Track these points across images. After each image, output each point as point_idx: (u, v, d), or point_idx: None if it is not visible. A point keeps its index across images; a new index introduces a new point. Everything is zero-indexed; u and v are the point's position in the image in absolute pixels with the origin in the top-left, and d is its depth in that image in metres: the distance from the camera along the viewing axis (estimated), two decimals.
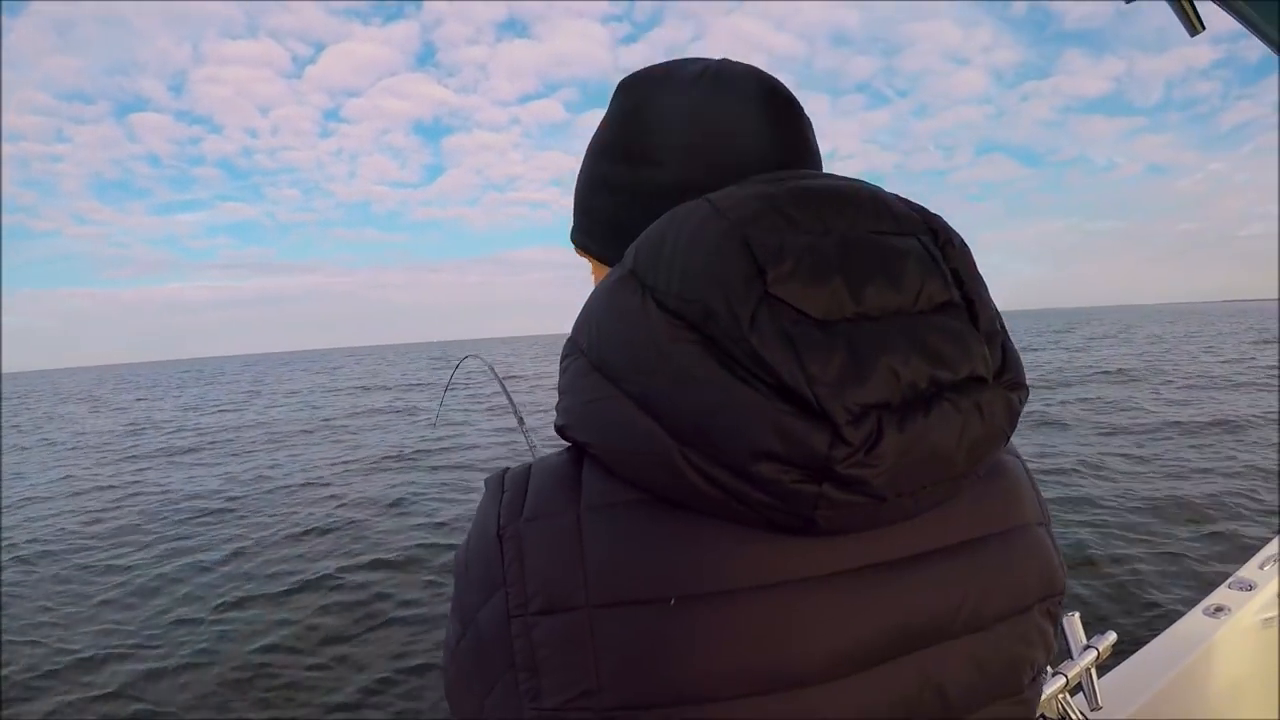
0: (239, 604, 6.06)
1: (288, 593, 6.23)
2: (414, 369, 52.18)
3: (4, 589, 6.79)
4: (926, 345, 0.45)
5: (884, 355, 0.44)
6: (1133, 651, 1.77)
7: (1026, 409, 0.53)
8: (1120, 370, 21.31)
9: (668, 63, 0.64)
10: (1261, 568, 2.02)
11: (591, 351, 0.51)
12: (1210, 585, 2.01)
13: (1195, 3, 1.18)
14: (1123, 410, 13.54)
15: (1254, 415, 12.20)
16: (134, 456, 15.73)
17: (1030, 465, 0.63)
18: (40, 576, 7.20)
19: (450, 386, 2.45)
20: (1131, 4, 1.34)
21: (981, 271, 0.52)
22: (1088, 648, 1.23)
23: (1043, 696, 1.09)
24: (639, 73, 0.65)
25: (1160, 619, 4.53)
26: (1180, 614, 1.92)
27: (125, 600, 6.38)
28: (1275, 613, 1.90)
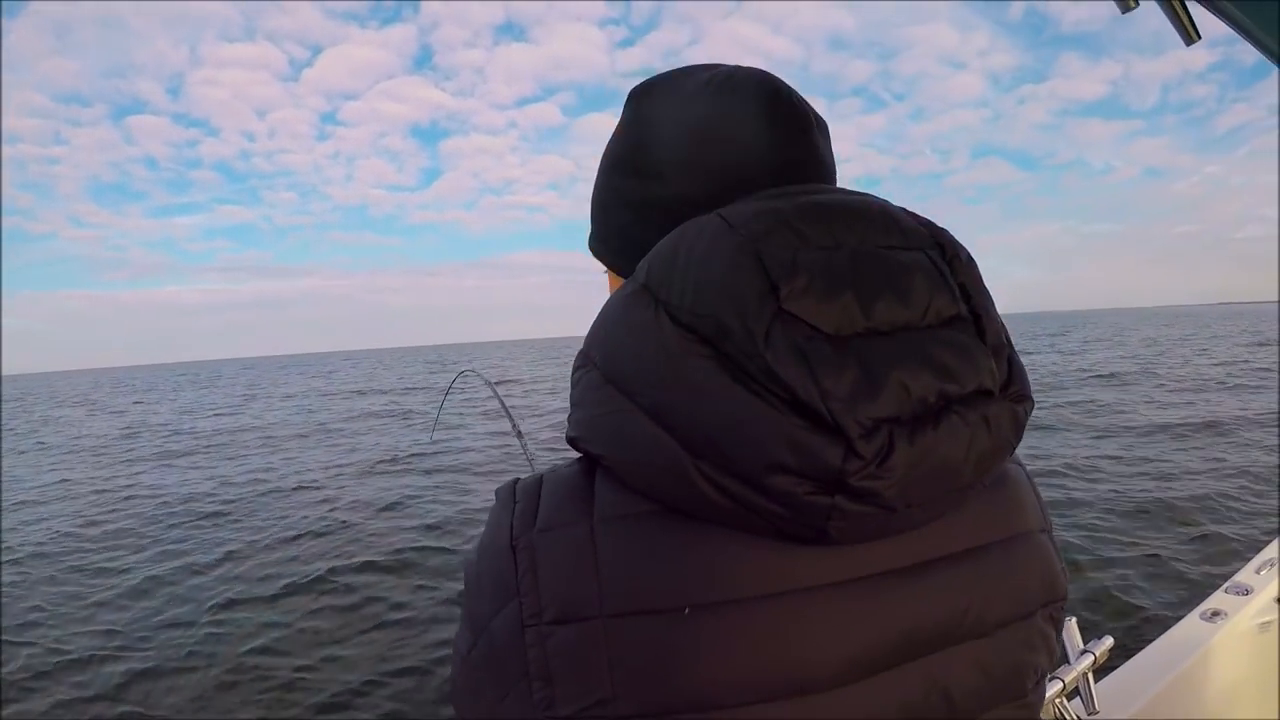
0: (231, 606, 6.06)
1: (280, 595, 6.23)
2: (410, 373, 52.13)
3: (1, 590, 6.77)
4: (935, 360, 0.46)
5: (895, 370, 0.45)
6: (1129, 656, 1.77)
7: None
8: (1113, 374, 21.38)
9: (678, 70, 0.64)
10: (1258, 572, 2.03)
11: (604, 364, 0.51)
12: (1202, 589, 2.02)
13: (1190, 10, 1.19)
14: (1116, 413, 13.59)
15: (1245, 417, 12.25)
16: (130, 460, 15.67)
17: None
18: (35, 578, 7.18)
19: (447, 395, 2.47)
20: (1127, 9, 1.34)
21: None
22: (1084, 652, 1.24)
23: None
24: (647, 82, 0.65)
25: (1152, 623, 4.54)
26: (1173, 618, 1.93)
27: (119, 602, 6.37)
28: (1272, 617, 1.91)
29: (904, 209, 0.53)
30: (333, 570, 6.68)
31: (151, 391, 52.97)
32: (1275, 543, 2.17)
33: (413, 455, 13.10)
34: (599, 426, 0.50)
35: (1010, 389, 0.50)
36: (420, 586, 6.20)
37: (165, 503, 10.43)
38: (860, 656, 0.48)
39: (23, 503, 11.37)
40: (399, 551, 7.11)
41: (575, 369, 0.55)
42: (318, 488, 10.81)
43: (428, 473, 11.35)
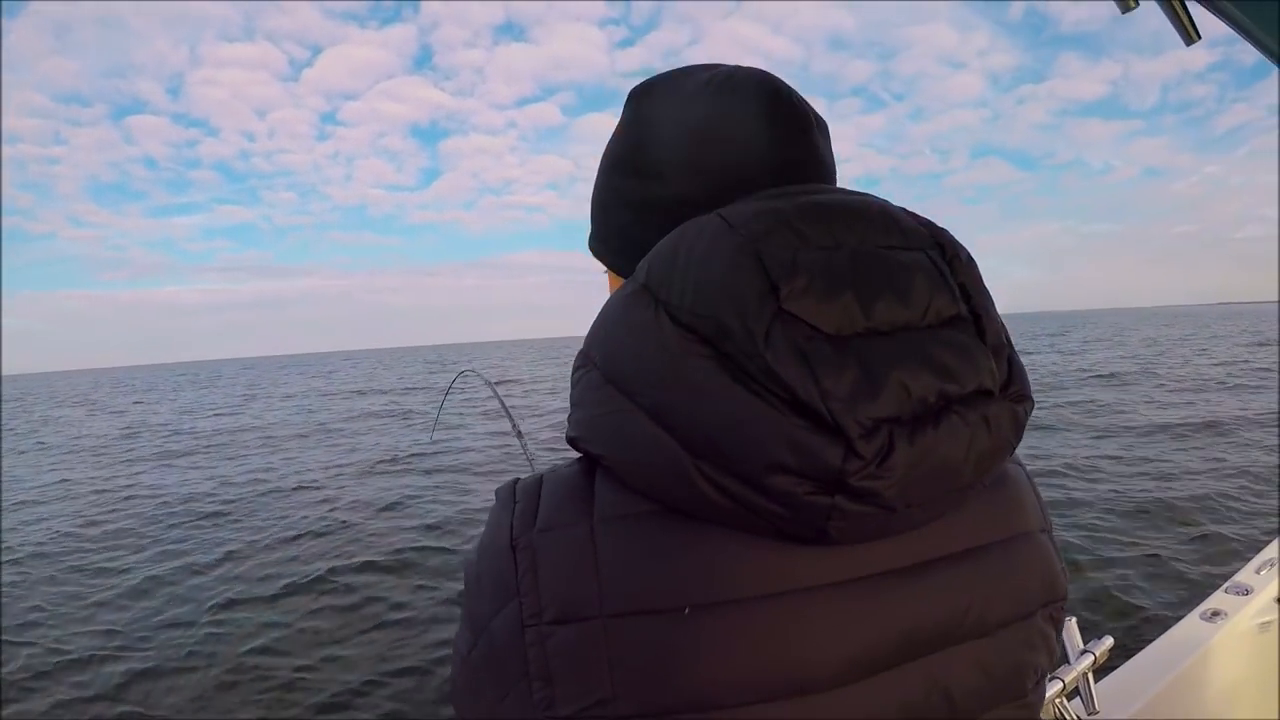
0: (231, 606, 6.07)
1: (280, 595, 6.23)
2: (410, 373, 52.16)
3: (0, 590, 6.78)
4: (935, 360, 0.46)
5: (895, 370, 0.45)
6: (1129, 656, 1.77)
7: None
8: (1113, 374, 21.38)
9: (678, 71, 0.64)
10: (1258, 572, 2.03)
11: (604, 364, 0.51)
12: (1202, 589, 2.02)
13: (1190, 10, 1.19)
14: (1115, 413, 13.59)
15: (1245, 417, 12.26)
16: (130, 460, 15.68)
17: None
18: (34, 578, 7.19)
19: (447, 395, 2.47)
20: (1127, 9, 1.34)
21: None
22: (1084, 652, 1.24)
23: None
24: (647, 82, 0.65)
25: (1152, 623, 4.54)
26: (1173, 618, 1.93)
27: (119, 602, 6.38)
28: (1272, 617, 1.91)
29: (904, 209, 0.53)
30: (333, 570, 6.68)
31: (151, 391, 53.00)
32: (1275, 543, 2.17)
33: (413, 455, 13.10)
34: (599, 426, 0.50)
35: (1010, 389, 0.50)
36: (420, 586, 6.21)
37: (165, 503, 10.44)
38: (860, 656, 0.48)
39: (23, 503, 11.37)
40: (399, 551, 7.11)
41: (575, 369, 0.55)
42: (318, 488, 10.82)
43: (428, 473, 11.36)
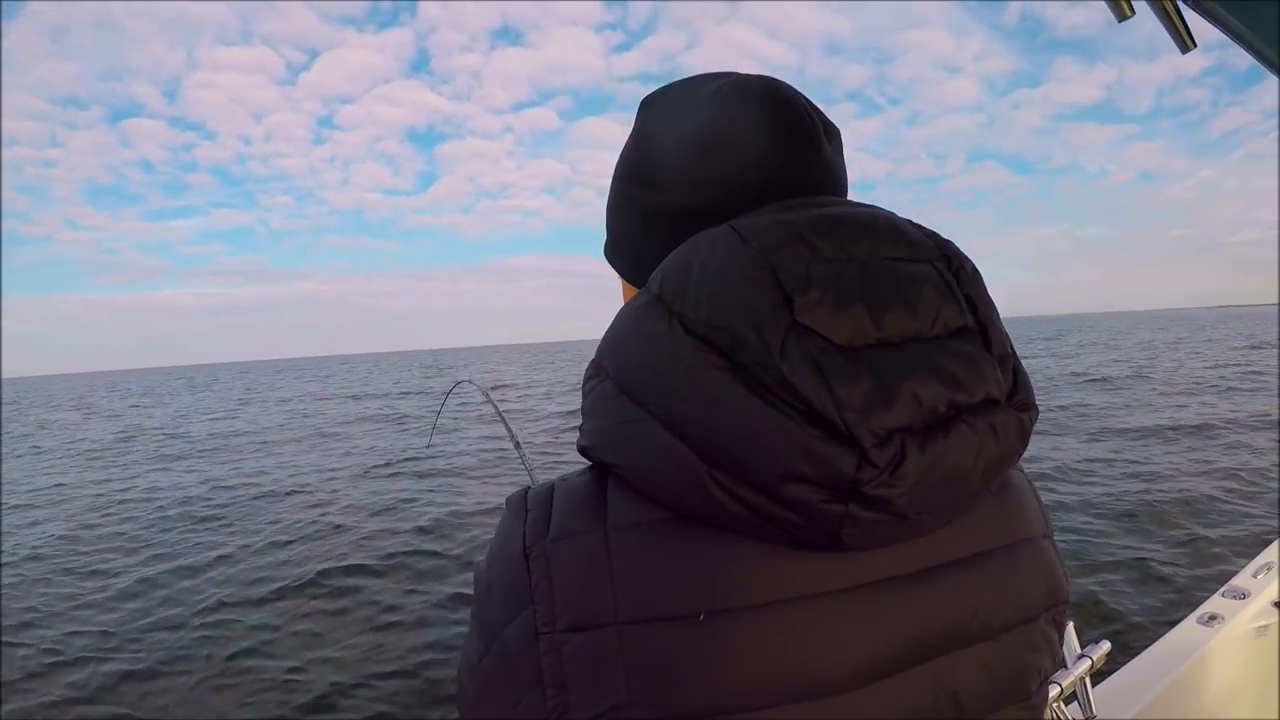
0: (224, 608, 6.08)
1: (272, 597, 6.25)
2: (406, 377, 52.08)
3: None
4: (944, 370, 0.47)
5: (906, 381, 0.45)
6: (1127, 660, 1.78)
7: None
8: (1107, 377, 21.43)
9: (685, 80, 0.64)
10: (1255, 576, 2.04)
11: (617, 375, 0.52)
12: (1195, 593, 2.02)
13: (1185, 18, 1.20)
14: (1109, 417, 13.62)
15: (1238, 420, 12.30)
16: (125, 464, 15.64)
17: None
18: (30, 581, 7.19)
19: (444, 405, 2.48)
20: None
21: None
22: (1082, 657, 1.24)
23: None
24: (656, 93, 0.65)
25: (1145, 627, 4.54)
26: (1166, 622, 1.93)
27: (113, 604, 6.38)
28: (1269, 621, 1.92)
29: (910, 221, 0.54)
30: (324, 573, 6.69)
31: (147, 395, 52.81)
32: (1272, 546, 2.18)
33: (406, 459, 13.08)
34: (612, 436, 0.51)
35: (1016, 398, 0.51)
36: (411, 590, 6.21)
37: (160, 506, 10.43)
38: (871, 660, 0.49)
39: (18, 506, 11.35)
40: (390, 555, 7.12)
41: (587, 379, 0.55)
42: (311, 491, 10.82)
43: (421, 476, 11.35)
